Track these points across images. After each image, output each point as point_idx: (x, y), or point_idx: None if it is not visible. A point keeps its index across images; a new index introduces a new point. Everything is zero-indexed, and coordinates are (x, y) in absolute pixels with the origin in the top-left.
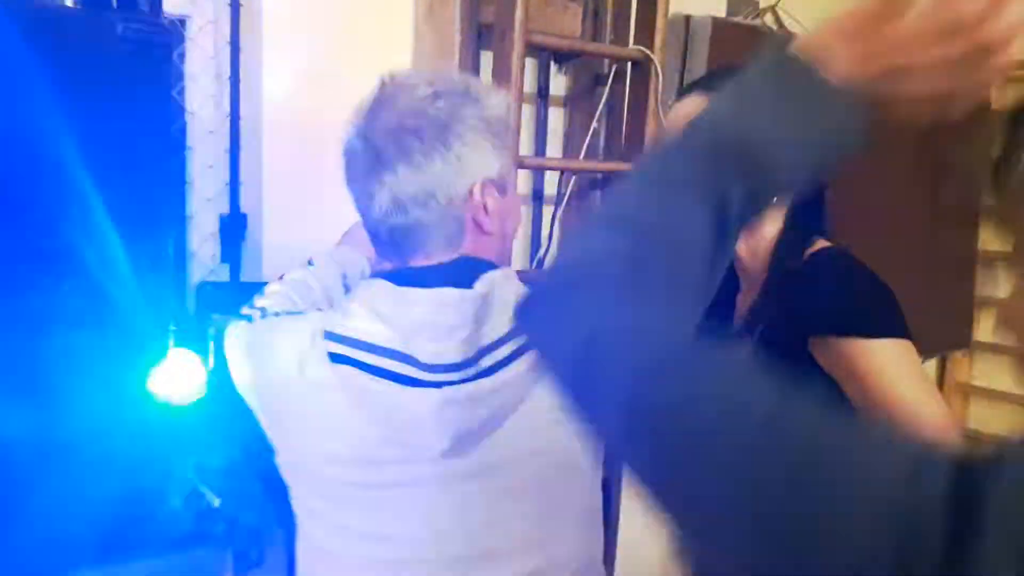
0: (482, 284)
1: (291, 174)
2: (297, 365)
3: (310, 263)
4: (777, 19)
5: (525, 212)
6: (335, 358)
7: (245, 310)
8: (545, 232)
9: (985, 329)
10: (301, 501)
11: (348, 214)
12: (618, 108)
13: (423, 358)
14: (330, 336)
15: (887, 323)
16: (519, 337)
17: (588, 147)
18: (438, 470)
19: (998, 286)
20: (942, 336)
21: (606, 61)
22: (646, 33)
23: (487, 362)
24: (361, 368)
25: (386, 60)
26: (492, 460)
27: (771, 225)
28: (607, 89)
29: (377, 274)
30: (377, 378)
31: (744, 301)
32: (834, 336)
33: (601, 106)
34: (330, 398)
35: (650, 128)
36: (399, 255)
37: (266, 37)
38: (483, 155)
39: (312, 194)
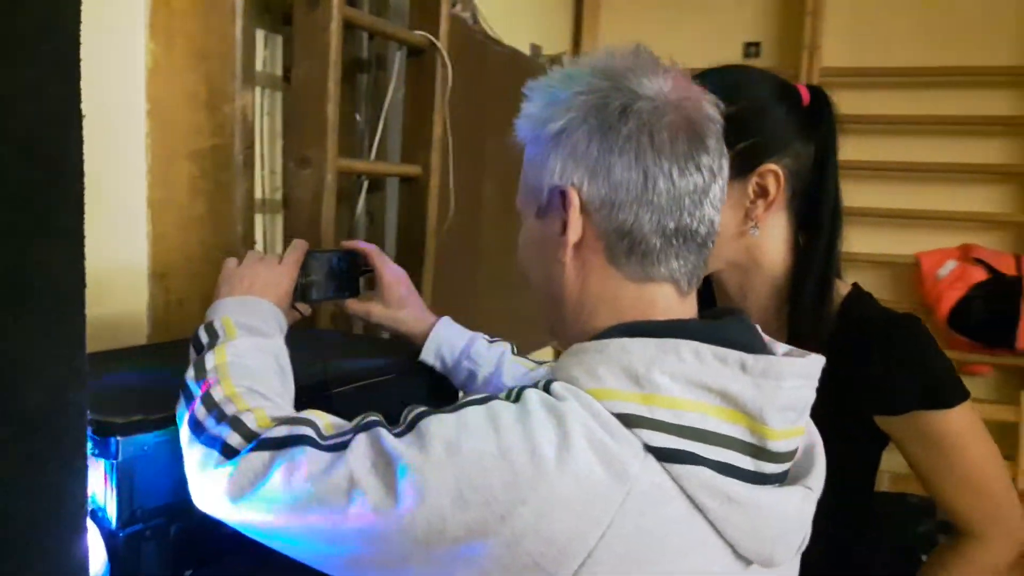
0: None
1: None
2: (604, 467)
3: (216, 334)
4: (474, 14)
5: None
6: (663, 454)
7: (334, 431)
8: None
9: None
10: None
11: None
12: (381, 100)
13: (774, 446)
14: (634, 420)
15: (961, 386)
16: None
17: (355, 144)
18: None
19: None
20: None
21: (368, 45)
22: (426, 18)
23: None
24: (706, 465)
25: (115, 21)
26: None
27: (774, 252)
28: (373, 78)
29: (672, 330)
30: (726, 478)
31: None
32: (917, 410)
33: (386, 99)
34: (666, 513)
35: (437, 126)
36: (682, 280)
37: None
38: None
39: None
